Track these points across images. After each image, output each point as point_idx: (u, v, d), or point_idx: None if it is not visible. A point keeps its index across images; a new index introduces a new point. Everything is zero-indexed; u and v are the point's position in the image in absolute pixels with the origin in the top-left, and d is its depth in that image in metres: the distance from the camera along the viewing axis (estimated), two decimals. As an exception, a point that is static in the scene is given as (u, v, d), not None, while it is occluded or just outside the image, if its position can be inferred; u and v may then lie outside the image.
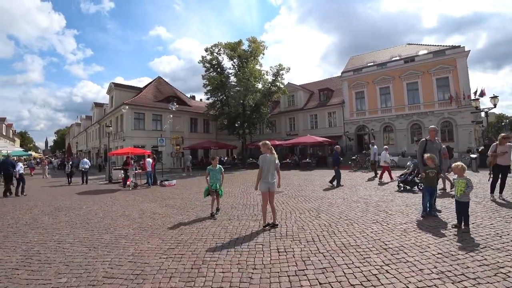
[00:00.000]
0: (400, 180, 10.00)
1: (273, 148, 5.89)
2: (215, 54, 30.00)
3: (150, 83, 33.63)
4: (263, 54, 30.42)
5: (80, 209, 8.63)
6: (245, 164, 28.81)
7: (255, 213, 7.25)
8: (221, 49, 30.11)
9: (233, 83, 30.19)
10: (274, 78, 29.81)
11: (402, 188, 9.83)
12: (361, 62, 32.43)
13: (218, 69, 30.40)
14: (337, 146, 13.40)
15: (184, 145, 28.53)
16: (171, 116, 26.80)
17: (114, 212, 8.19)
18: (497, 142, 8.17)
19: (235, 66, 30.42)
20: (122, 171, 16.30)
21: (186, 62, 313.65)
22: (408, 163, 10.65)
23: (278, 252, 4.39)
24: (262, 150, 5.84)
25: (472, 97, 24.57)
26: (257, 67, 29.68)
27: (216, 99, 30.73)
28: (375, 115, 28.84)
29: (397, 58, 28.57)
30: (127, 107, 24.93)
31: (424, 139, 7.36)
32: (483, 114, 19.89)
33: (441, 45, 27.35)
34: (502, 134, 8.33)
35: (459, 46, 25.48)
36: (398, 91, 27.65)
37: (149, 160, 15.38)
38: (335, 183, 11.94)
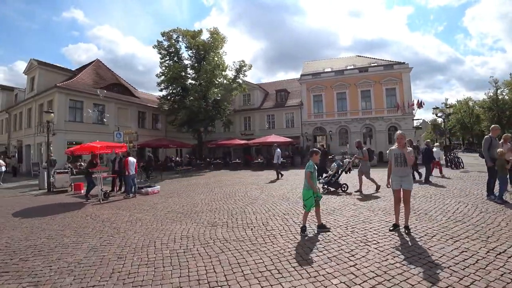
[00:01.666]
0: (324, 182, 9.38)
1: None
2: (173, 40, 25.42)
3: (87, 65, 26.30)
4: (222, 48, 27.11)
5: (67, 248, 4.68)
6: (209, 164, 25.19)
7: (360, 220, 5.53)
8: (180, 36, 25.74)
9: (189, 75, 26.18)
10: (236, 74, 26.98)
11: (326, 190, 9.17)
12: (315, 67, 32.51)
13: (175, 58, 25.90)
14: (428, 140, 12.52)
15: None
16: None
17: (162, 250, 4.50)
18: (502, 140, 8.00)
19: (193, 57, 26.40)
20: (84, 175, 11.26)
21: (107, 53, 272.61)
22: (333, 164, 9.86)
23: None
24: (398, 143, 4.85)
25: (415, 107, 26.94)
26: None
27: (171, 91, 26.06)
28: (332, 118, 28.97)
29: (352, 67, 29.42)
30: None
31: (488, 136, 7.54)
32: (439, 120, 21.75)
33: (388, 60, 29.30)
34: (507, 134, 8.36)
35: (404, 63, 27.62)
36: (353, 97, 28.38)
37: (133, 159, 10.99)
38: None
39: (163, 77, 25.23)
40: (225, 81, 25.75)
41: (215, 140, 28.46)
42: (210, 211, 7.31)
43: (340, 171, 9.45)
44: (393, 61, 28.50)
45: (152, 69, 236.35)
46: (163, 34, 25.26)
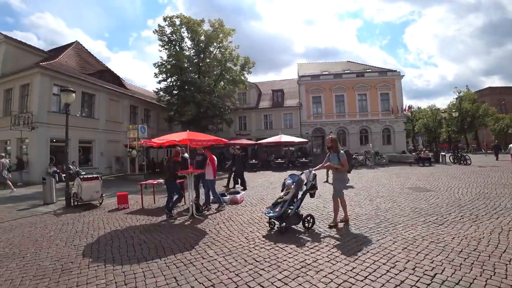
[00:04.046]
0: (276, 215, 4.78)
1: None
2: (177, 26, 21.39)
3: (65, 47, 20.22)
4: (226, 41, 23.81)
5: None
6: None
7: None
8: (183, 23, 21.79)
9: (190, 67, 22.36)
10: (240, 69, 24.00)
11: (277, 227, 4.95)
12: (310, 68, 31.40)
13: (177, 47, 21.88)
14: None
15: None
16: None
17: None
18: None
19: (193, 49, 22.63)
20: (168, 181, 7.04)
21: (48, 44, 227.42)
22: (288, 181, 5.39)
23: None
24: None
25: (406, 111, 27.59)
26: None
27: (172, 83, 21.92)
28: (331, 119, 28.01)
29: (349, 71, 28.94)
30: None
31: None
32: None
33: (381, 67, 29.60)
34: None
35: (395, 70, 28.11)
36: (351, 99, 27.84)
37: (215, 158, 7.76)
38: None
39: (163, 66, 21.10)
40: (236, 76, 22.56)
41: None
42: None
43: (301, 193, 4.97)
44: (386, 68, 28.87)
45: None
46: (165, 19, 21.06)
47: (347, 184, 8.08)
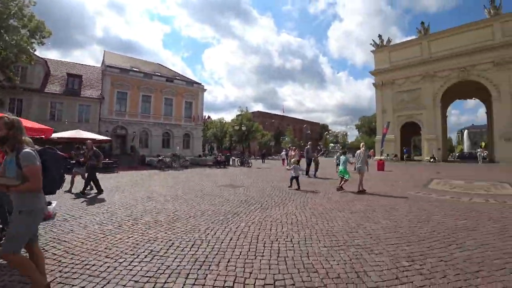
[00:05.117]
0: None
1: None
2: None
3: None
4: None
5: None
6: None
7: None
8: None
9: None
10: (29, 36, 18.53)
11: None
12: (118, 60, 29.46)
13: None
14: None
15: None
16: None
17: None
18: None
19: None
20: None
21: None
22: None
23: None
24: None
25: (207, 120, 32.64)
26: None
27: None
28: (135, 119, 27.73)
29: (159, 74, 29.93)
30: None
31: (307, 147, 13.57)
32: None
33: (188, 78, 32.93)
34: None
35: (201, 84, 32.60)
36: (158, 102, 29.17)
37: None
38: None
39: None
40: (21, 42, 17.01)
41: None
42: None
43: None
44: (193, 80, 32.69)
45: None
46: None
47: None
